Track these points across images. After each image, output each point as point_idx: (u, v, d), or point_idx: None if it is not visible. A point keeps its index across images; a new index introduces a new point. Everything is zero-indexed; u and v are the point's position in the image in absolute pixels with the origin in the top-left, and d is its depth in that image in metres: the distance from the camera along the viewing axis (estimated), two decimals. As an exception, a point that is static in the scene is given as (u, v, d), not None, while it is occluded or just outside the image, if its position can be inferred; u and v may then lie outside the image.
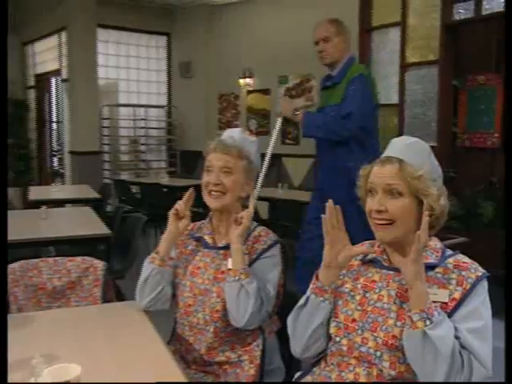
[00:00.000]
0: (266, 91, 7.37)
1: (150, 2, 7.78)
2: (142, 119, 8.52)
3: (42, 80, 8.95)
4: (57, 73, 8.26)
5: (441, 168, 1.48)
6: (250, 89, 7.58)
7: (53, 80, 8.69)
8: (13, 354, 1.42)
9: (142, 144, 8.63)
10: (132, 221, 3.74)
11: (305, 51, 6.61)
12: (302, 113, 3.23)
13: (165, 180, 6.99)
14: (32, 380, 1.19)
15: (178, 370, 1.42)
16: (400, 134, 4.24)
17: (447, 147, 4.00)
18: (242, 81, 7.56)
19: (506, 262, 1.40)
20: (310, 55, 6.46)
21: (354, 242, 1.50)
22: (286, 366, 1.86)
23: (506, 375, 1.30)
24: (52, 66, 8.40)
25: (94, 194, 5.48)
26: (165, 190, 6.47)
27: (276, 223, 4.83)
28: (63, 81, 8.03)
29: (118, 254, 3.63)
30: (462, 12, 3.86)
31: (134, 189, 7.03)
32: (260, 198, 5.87)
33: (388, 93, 4.48)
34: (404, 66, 4.25)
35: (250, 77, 7.49)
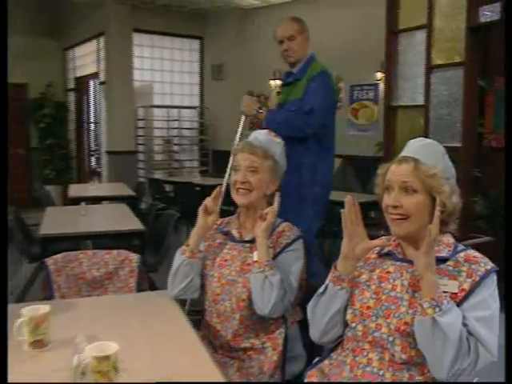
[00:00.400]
0: (295, 92, 7.44)
1: (183, 6, 7.93)
2: (176, 120, 8.69)
3: (82, 83, 9.17)
4: (95, 76, 8.49)
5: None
6: (280, 90, 7.64)
7: (91, 83, 8.90)
8: (58, 335, 1.55)
9: (176, 144, 8.81)
10: (165, 218, 3.87)
11: (333, 53, 6.67)
12: (265, 111, 3.18)
13: (197, 179, 7.12)
14: (75, 358, 1.31)
15: (206, 355, 1.51)
16: (425, 135, 4.25)
17: (472, 147, 3.99)
18: (271, 82, 7.63)
19: (506, 261, 1.43)
20: (339, 57, 6.56)
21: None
22: (308, 354, 1.94)
23: (506, 375, 1.32)
24: (90, 69, 8.63)
25: (130, 192, 5.64)
26: (197, 188, 6.59)
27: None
28: (101, 83, 8.25)
29: (151, 248, 3.76)
30: (487, 14, 3.86)
31: (168, 187, 7.18)
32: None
33: (414, 94, 4.49)
34: (430, 68, 4.26)
35: (280, 78, 7.55)
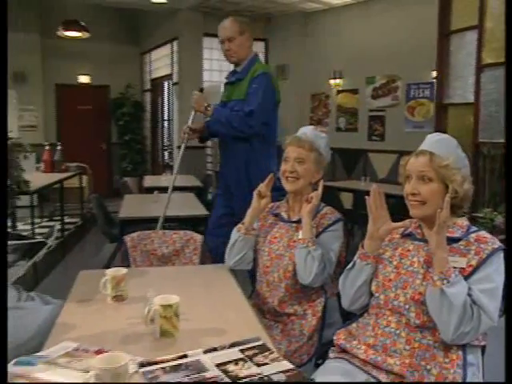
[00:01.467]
0: (354, 91, 7.53)
1: (250, 11, 8.16)
2: (241, 117, 8.95)
3: (157, 84, 9.58)
4: (169, 77, 8.86)
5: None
6: (340, 89, 7.76)
7: (165, 84, 9.27)
8: (133, 293, 1.85)
9: (241, 140, 9.08)
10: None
11: (391, 53, 6.75)
12: (212, 108, 3.20)
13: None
14: (146, 308, 1.59)
15: (254, 317, 1.74)
16: (475, 131, 4.31)
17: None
18: (332, 81, 7.75)
19: (506, 261, 1.53)
20: (396, 56, 6.61)
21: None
22: (343, 321, 2.15)
23: (506, 375, 1.37)
24: (165, 71, 9.02)
25: (197, 183, 5.99)
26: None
27: (358, 212, 5.04)
28: (174, 84, 8.64)
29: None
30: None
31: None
32: (345, 190, 6.12)
33: (464, 92, 4.52)
34: (480, 67, 4.28)
35: (339, 78, 7.68)
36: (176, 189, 6.11)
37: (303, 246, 2.01)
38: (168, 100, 9.25)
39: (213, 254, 2.71)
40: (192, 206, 4.21)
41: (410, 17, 6.59)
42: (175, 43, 8.40)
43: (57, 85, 9.34)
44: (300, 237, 2.05)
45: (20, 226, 5.76)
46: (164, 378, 1.25)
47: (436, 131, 4.88)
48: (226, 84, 3.44)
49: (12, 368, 1.27)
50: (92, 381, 1.12)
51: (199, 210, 4.03)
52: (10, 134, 4.87)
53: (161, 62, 9.25)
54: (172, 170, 8.93)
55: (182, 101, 8.32)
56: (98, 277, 1.83)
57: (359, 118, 7.48)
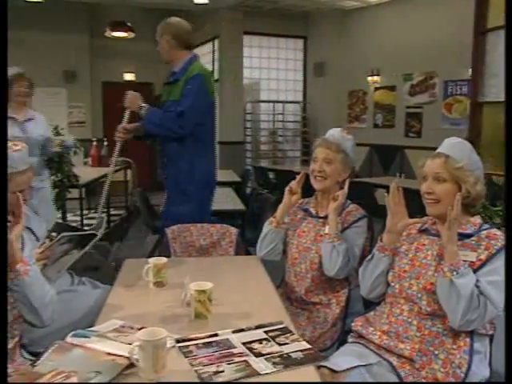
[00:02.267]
0: (391, 88, 7.55)
1: (288, 10, 8.27)
2: (280, 113, 9.09)
3: (198, 81, 9.86)
4: (210, 74, 9.12)
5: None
6: (377, 86, 7.80)
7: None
8: (172, 280, 2.04)
9: (280, 135, 9.23)
10: (262, 200, 4.32)
11: (429, 50, 6.74)
12: (146, 108, 3.17)
13: (297, 167, 7.49)
14: (183, 293, 1.78)
15: (279, 304, 1.91)
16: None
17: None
18: (369, 78, 7.79)
19: (506, 261, 1.60)
20: (434, 53, 6.60)
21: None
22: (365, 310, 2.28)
23: (506, 375, 1.41)
24: (206, 68, 9.28)
25: (236, 178, 6.17)
26: (297, 176, 6.94)
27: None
28: (215, 81, 8.85)
29: (250, 225, 4.22)
30: None
31: (271, 174, 7.64)
32: (380, 186, 6.19)
33: (500, 91, 4.52)
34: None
35: (377, 75, 7.71)
36: (215, 184, 6.36)
37: (329, 240, 2.16)
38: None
39: None
40: (230, 201, 4.40)
41: (448, 13, 6.57)
42: (216, 41, 8.61)
43: (103, 82, 9.72)
44: (326, 231, 2.20)
45: (69, 217, 6.09)
46: (197, 353, 1.43)
47: (470, 129, 4.92)
48: (165, 84, 3.40)
49: (70, 339, 1.48)
50: (136, 351, 1.31)
51: (237, 204, 4.22)
52: (61, 132, 5.19)
53: (202, 59, 9.40)
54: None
55: (223, 97, 8.53)
56: (142, 265, 2.04)
57: (396, 115, 7.50)
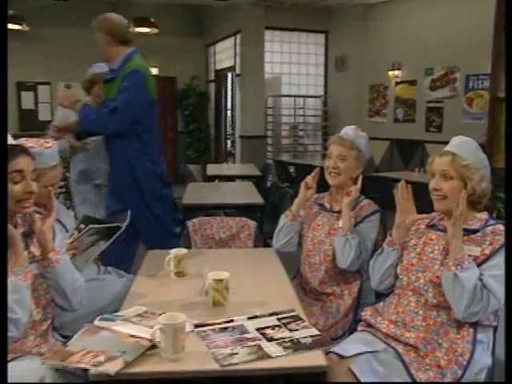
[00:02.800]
0: (412, 82, 7.55)
1: (310, 4, 8.30)
2: (301, 108, 9.15)
3: (220, 75, 9.90)
4: (232, 69, 9.17)
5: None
6: (398, 80, 7.80)
7: (228, 75, 9.56)
8: (192, 270, 2.16)
9: (301, 130, 9.29)
10: (281, 194, 4.42)
11: (450, 44, 6.73)
12: (80, 104, 3.10)
13: (317, 161, 7.57)
14: (202, 283, 1.90)
15: (292, 293, 2.01)
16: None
17: None
18: (390, 73, 7.79)
19: (506, 261, 1.65)
20: (456, 48, 6.58)
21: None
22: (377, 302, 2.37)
23: (506, 375, 1.44)
24: (228, 63, 9.35)
25: (257, 172, 6.28)
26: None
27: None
28: (237, 75, 8.94)
29: (269, 219, 4.32)
30: None
31: (291, 168, 7.72)
32: (398, 181, 6.22)
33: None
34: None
35: (398, 69, 7.71)
36: (236, 177, 6.50)
37: (342, 234, 2.26)
38: (232, 91, 9.54)
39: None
40: (250, 194, 4.51)
41: (470, 7, 6.54)
42: (238, 36, 8.69)
43: (128, 77, 9.89)
44: (340, 225, 2.30)
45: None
46: (213, 337, 1.55)
47: (489, 124, 4.93)
48: (104, 82, 3.32)
49: (97, 322, 1.62)
50: (157, 333, 1.43)
51: (256, 198, 4.32)
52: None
53: (224, 54, 9.58)
54: (234, 158, 9.32)
55: (244, 92, 8.64)
56: (164, 256, 2.16)
57: (417, 109, 7.50)
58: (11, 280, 1.54)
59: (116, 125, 3.03)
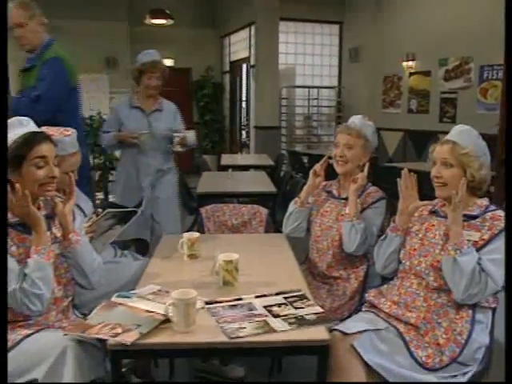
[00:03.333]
0: (426, 73, 7.53)
1: (324, -5, 8.31)
2: (315, 99, 9.18)
3: (235, 66, 9.97)
4: (246, 60, 9.22)
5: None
6: (412, 71, 7.79)
7: (243, 66, 9.64)
8: (204, 253, 2.26)
9: (314, 120, 9.33)
10: (293, 183, 4.51)
11: (465, 34, 6.70)
12: (10, 98, 2.98)
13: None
14: (213, 264, 2.00)
15: (300, 275, 2.10)
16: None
17: None
18: (404, 63, 7.77)
19: (506, 261, 1.68)
20: (470, 38, 6.56)
21: None
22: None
23: (506, 375, 1.45)
24: (243, 54, 9.40)
25: (270, 162, 6.37)
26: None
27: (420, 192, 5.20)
28: (251, 67, 9.00)
29: (281, 207, 4.41)
30: None
31: (305, 159, 7.78)
32: (412, 171, 6.25)
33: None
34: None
35: (412, 60, 7.69)
36: (250, 167, 6.59)
37: (348, 220, 2.34)
38: (246, 82, 9.62)
39: None
40: (262, 184, 4.61)
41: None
42: (253, 27, 8.74)
43: (144, 68, 10.03)
44: (347, 212, 2.38)
45: (111, 198, 6.43)
46: (223, 313, 1.65)
47: (500, 114, 4.93)
48: (21, 72, 3.19)
49: (114, 299, 1.73)
50: (170, 309, 1.53)
51: (269, 187, 4.42)
52: (103, 117, 5.49)
53: (239, 45, 9.64)
54: (248, 149, 9.41)
55: (259, 83, 8.69)
56: (177, 240, 2.27)
57: (431, 100, 7.49)
58: (34, 259, 1.66)
59: (40, 113, 2.74)
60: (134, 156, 3.56)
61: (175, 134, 3.52)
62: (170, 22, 8.04)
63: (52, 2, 8.52)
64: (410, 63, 7.72)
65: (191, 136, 3.67)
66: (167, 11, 7.92)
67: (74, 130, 2.19)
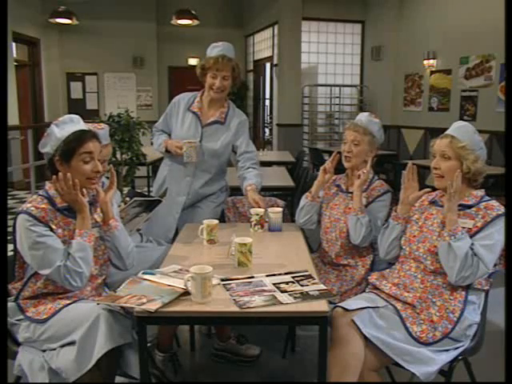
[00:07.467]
0: (447, 71, 7.61)
1: (347, -6, 8.44)
2: (337, 97, 9.32)
3: (259, 65, 10.18)
4: (270, 59, 9.43)
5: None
6: (433, 69, 7.87)
7: (267, 65, 9.84)
8: (222, 239, 2.47)
9: (336, 118, 9.47)
10: (311, 178, 4.68)
11: (486, 32, 6.77)
12: None
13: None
14: (228, 247, 2.20)
15: (309, 259, 2.28)
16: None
17: None
18: (425, 62, 7.86)
19: (506, 262, 1.83)
20: (492, 36, 6.62)
21: None
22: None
23: (506, 375, 1.49)
24: (266, 53, 9.60)
25: (291, 159, 6.56)
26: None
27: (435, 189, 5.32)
28: (274, 65, 9.21)
29: (299, 201, 4.60)
30: None
31: (326, 156, 7.93)
32: (428, 168, 6.36)
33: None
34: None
35: (433, 58, 7.77)
36: (273, 163, 6.78)
37: (354, 213, 2.51)
38: (270, 80, 9.81)
39: None
40: (281, 179, 4.80)
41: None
42: (276, 27, 8.93)
43: (169, 67, 10.36)
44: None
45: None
46: (236, 289, 1.85)
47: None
48: None
49: (140, 275, 1.95)
50: (189, 282, 1.74)
51: (288, 181, 4.60)
52: (131, 114, 5.75)
53: (263, 44, 9.83)
54: (271, 146, 9.60)
55: (282, 81, 8.88)
56: (198, 228, 2.48)
57: (451, 98, 7.57)
58: (78, 240, 1.89)
59: None
60: (179, 165, 3.03)
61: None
62: (196, 22, 8.25)
63: (83, 4, 8.89)
64: (431, 62, 7.79)
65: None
66: (193, 12, 8.15)
67: (107, 126, 2.43)
